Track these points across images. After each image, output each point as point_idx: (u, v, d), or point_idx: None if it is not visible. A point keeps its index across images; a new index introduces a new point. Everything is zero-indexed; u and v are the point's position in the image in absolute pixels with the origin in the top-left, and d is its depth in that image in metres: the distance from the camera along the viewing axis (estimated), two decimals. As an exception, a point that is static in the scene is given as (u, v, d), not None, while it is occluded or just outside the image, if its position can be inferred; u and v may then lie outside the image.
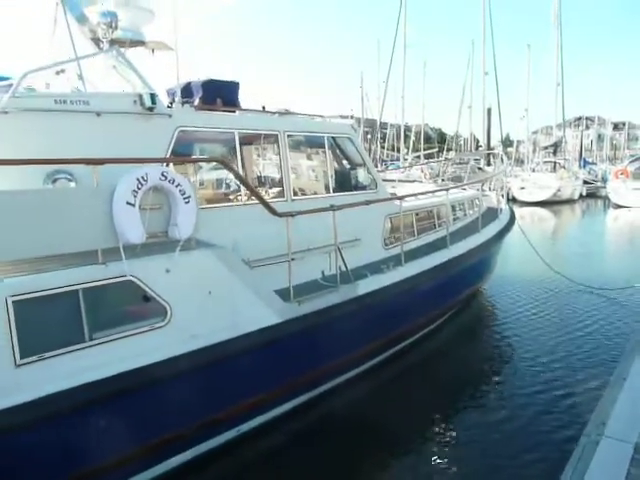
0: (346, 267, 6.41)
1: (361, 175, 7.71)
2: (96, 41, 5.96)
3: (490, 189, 13.96)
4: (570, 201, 34.79)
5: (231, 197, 6.70)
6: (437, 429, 5.92)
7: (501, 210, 11.70)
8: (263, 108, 7.81)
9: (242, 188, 6.13)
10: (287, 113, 7.29)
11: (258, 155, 7.93)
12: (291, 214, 5.70)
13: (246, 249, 5.58)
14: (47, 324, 4.06)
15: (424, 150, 43.21)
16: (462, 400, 6.58)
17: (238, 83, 7.19)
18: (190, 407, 4.84)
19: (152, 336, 4.52)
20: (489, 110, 38.41)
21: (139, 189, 4.37)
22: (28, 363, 3.84)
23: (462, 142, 54.65)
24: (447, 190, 9.27)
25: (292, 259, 5.69)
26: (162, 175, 4.54)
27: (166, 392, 4.61)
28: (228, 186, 7.23)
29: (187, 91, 6.78)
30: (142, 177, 4.39)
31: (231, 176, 6.59)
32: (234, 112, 6.58)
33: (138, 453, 4.53)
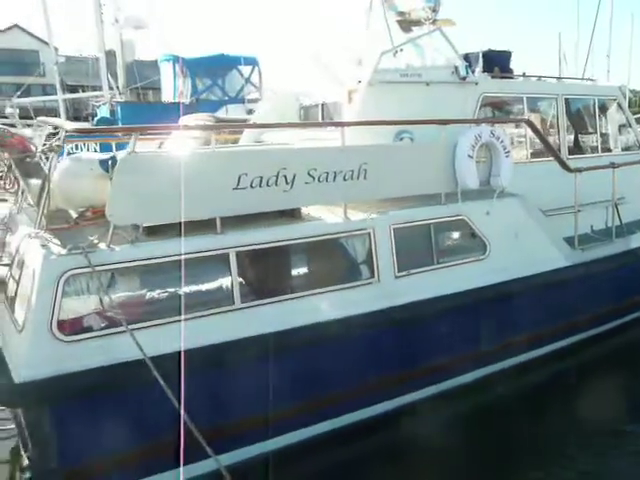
0: (620, 222, 6.86)
1: (630, 137, 7.95)
2: (402, 23, 7.04)
3: None
4: None
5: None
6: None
7: None
8: (524, 74, 8.37)
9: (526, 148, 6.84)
10: (562, 78, 7.78)
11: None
12: (579, 170, 6.32)
13: (534, 201, 6.32)
14: (410, 248, 5.28)
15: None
16: None
17: (511, 52, 7.82)
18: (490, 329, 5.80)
19: (475, 266, 5.56)
20: None
21: (476, 144, 5.38)
22: (401, 276, 5.09)
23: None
24: None
25: (578, 211, 6.32)
26: (491, 133, 5.51)
27: (482, 313, 5.61)
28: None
29: (467, 61, 7.59)
30: (478, 135, 5.43)
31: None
32: (514, 78, 7.27)
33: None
